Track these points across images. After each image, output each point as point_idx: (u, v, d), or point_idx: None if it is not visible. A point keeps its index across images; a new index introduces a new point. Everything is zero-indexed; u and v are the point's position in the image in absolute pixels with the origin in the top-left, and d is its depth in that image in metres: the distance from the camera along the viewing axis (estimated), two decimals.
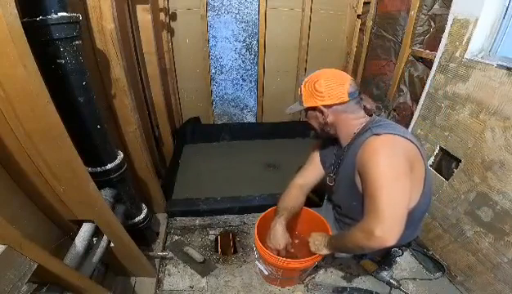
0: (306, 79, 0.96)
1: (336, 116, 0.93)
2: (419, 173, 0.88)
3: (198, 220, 1.59)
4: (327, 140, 1.14)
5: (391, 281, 1.22)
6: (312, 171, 1.20)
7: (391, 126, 0.91)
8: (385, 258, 1.21)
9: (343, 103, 0.91)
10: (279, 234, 1.08)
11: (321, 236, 1.07)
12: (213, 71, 2.32)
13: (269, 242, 1.09)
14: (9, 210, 0.69)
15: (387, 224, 0.75)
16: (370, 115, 0.98)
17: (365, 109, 0.98)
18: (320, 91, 0.91)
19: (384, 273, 1.24)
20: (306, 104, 0.95)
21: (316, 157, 1.20)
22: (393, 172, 0.79)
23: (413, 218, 0.90)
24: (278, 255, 1.07)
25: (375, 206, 0.78)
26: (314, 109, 0.94)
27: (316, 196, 1.49)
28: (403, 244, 1.10)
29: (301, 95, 0.96)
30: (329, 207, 1.31)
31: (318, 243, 1.05)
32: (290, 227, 1.29)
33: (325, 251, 1.02)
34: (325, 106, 0.91)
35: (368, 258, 1.26)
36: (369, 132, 0.89)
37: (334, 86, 0.90)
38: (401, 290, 1.22)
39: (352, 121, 0.95)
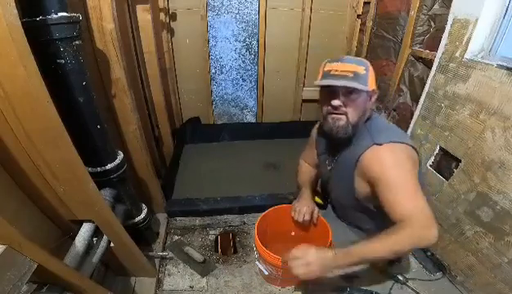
0: (366, 62, 0.89)
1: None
2: (416, 173, 0.90)
3: (198, 220, 1.59)
4: (322, 130, 1.12)
5: (398, 276, 1.23)
6: (312, 152, 1.24)
7: (388, 130, 0.92)
8: None
9: None
10: (307, 201, 1.21)
11: (325, 255, 0.84)
12: (213, 71, 2.32)
13: (296, 205, 1.20)
14: (9, 210, 0.69)
15: (432, 222, 0.78)
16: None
17: None
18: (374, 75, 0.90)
19: (391, 269, 1.24)
20: (371, 87, 0.88)
21: (313, 141, 1.22)
22: (412, 179, 0.82)
23: None
24: (302, 221, 1.16)
25: (417, 211, 0.79)
26: (373, 92, 0.91)
27: (321, 198, 1.50)
28: None
29: (365, 75, 0.86)
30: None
31: (328, 263, 0.84)
32: (290, 228, 1.30)
33: (337, 270, 0.92)
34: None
35: None
36: (368, 139, 0.89)
37: None
38: (407, 286, 1.22)
39: (368, 111, 0.94)
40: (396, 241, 0.79)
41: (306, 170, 1.31)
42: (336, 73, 0.86)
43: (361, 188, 0.95)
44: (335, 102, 0.87)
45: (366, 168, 0.88)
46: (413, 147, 0.89)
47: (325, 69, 0.90)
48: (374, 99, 0.93)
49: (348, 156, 0.95)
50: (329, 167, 1.10)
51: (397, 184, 0.81)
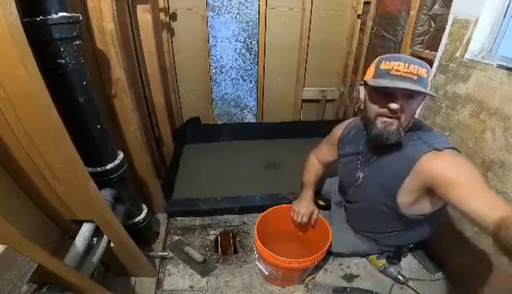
0: (423, 62, 0.82)
1: None
2: None
3: (198, 220, 1.59)
4: (355, 130, 1.11)
5: (398, 276, 1.23)
6: (330, 150, 1.23)
7: (438, 136, 0.91)
8: (396, 251, 1.24)
9: None
10: (307, 202, 1.19)
11: None
12: (213, 71, 2.32)
13: (295, 206, 1.20)
14: (9, 209, 0.69)
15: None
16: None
17: None
18: None
19: (392, 269, 1.24)
20: (428, 90, 0.82)
21: (335, 140, 1.19)
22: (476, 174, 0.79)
23: (432, 219, 1.00)
24: (300, 221, 1.17)
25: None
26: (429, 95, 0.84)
27: (324, 201, 1.51)
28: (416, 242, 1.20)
29: (426, 78, 0.80)
30: (337, 211, 1.33)
31: None
32: (290, 228, 1.30)
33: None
34: None
35: (375, 254, 1.27)
36: (422, 144, 0.86)
37: None
38: (408, 286, 1.22)
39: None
40: None
41: (314, 168, 1.30)
42: (398, 73, 0.79)
43: (409, 194, 0.92)
44: (394, 106, 0.79)
45: (431, 173, 0.83)
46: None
47: (383, 67, 0.81)
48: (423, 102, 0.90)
49: (397, 161, 0.91)
50: (361, 172, 1.05)
51: (480, 186, 0.76)
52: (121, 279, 1.18)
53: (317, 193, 1.42)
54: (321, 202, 1.51)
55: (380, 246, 1.22)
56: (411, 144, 0.89)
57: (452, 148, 0.85)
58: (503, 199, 0.77)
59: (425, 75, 0.79)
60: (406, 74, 0.78)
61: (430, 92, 0.80)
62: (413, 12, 1.49)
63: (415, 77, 0.78)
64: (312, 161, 1.33)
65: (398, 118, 0.83)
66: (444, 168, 0.81)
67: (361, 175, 1.06)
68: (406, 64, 0.78)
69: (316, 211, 1.21)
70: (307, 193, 1.24)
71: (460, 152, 0.88)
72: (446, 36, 1.21)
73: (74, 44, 0.73)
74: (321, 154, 1.29)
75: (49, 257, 0.59)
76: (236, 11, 2.09)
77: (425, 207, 0.97)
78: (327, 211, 1.46)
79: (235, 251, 1.43)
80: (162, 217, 1.55)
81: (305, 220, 1.17)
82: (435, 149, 0.84)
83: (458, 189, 0.77)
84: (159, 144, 1.97)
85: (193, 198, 1.64)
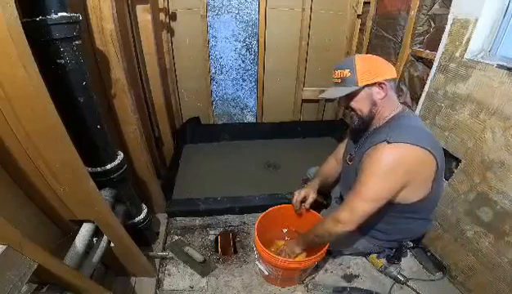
0: (354, 61, 0.90)
1: (388, 93, 0.93)
2: (426, 175, 0.93)
3: (198, 220, 1.59)
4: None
5: (398, 276, 1.23)
6: (343, 149, 1.28)
7: (410, 129, 0.92)
8: (396, 251, 1.23)
9: (394, 79, 0.94)
10: (309, 187, 1.25)
11: (294, 241, 1.16)
12: (213, 71, 2.32)
13: (296, 191, 1.27)
14: (9, 210, 0.69)
15: (348, 223, 0.92)
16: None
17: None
18: (380, 65, 0.92)
19: (392, 269, 1.24)
20: (362, 83, 0.90)
21: (346, 135, 1.26)
22: (383, 185, 0.89)
23: (420, 211, 1.03)
24: (295, 202, 1.23)
25: (350, 201, 0.92)
26: (373, 85, 0.91)
27: (322, 198, 1.50)
28: (414, 237, 1.21)
29: (351, 76, 0.90)
30: (336, 207, 1.32)
31: (291, 247, 1.14)
32: (290, 228, 1.30)
33: (298, 250, 1.13)
34: (385, 80, 0.91)
35: (375, 253, 1.27)
36: (384, 135, 0.90)
37: (385, 61, 0.94)
38: (408, 286, 1.23)
39: (391, 101, 0.97)
40: (321, 226, 1.00)
41: (330, 166, 1.34)
42: (333, 80, 0.97)
43: None
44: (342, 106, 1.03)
45: (366, 156, 0.93)
46: (430, 151, 0.88)
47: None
48: (385, 88, 0.91)
49: (364, 147, 1.00)
50: (352, 152, 1.12)
51: (365, 181, 0.89)
52: (121, 279, 1.18)
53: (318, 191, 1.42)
54: (321, 200, 1.50)
55: (380, 241, 1.22)
56: (378, 134, 0.95)
57: (406, 142, 0.85)
58: (361, 211, 0.91)
59: (348, 74, 0.91)
60: (334, 80, 0.96)
61: (326, 96, 0.99)
62: (413, 12, 1.49)
63: (340, 81, 0.94)
64: (328, 158, 1.37)
65: (355, 111, 0.98)
66: (372, 157, 0.90)
67: (351, 154, 1.13)
68: (334, 71, 0.95)
69: (312, 195, 1.24)
70: (311, 183, 1.28)
71: (422, 147, 0.87)
72: (445, 36, 1.21)
73: (73, 44, 0.73)
74: (337, 152, 1.33)
75: (49, 257, 0.59)
76: (236, 11, 2.09)
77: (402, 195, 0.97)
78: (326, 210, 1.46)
79: (235, 251, 1.43)
80: (162, 217, 1.55)
81: (299, 199, 1.23)
82: (386, 141, 0.87)
83: (358, 176, 0.92)
84: (159, 144, 1.97)
85: (193, 198, 1.64)
